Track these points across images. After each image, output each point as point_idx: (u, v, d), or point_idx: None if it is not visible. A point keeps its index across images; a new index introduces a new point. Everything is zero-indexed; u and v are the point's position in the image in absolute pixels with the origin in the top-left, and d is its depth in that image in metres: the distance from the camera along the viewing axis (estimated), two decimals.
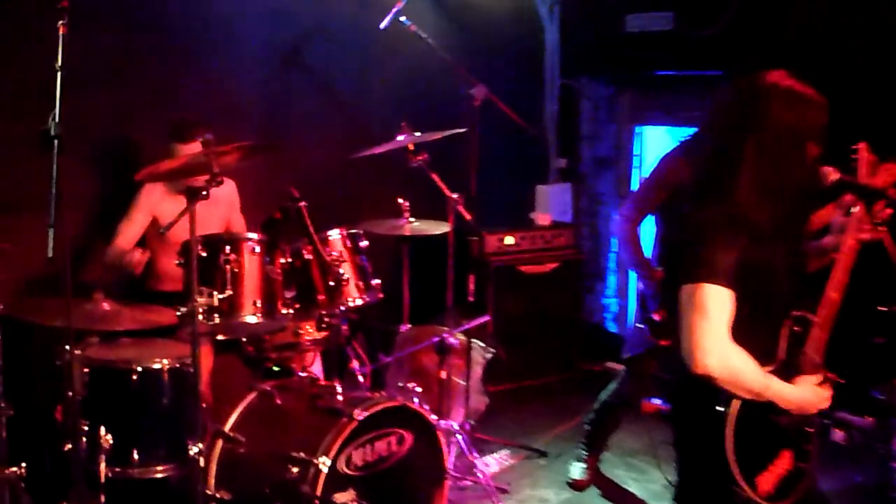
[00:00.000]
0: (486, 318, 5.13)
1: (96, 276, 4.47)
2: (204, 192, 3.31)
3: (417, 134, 4.74)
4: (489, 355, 5.21)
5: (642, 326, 4.27)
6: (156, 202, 4.61)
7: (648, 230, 4.52)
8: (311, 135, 5.85)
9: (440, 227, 4.93)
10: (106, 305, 3.76)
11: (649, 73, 6.82)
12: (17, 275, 4.35)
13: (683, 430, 2.69)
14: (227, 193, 4.80)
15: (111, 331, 3.72)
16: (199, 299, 3.37)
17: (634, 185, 7.33)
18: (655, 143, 7.45)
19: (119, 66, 4.92)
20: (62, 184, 2.91)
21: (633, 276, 7.35)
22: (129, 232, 4.58)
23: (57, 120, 2.91)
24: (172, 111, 4.76)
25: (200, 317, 3.40)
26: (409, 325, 5.13)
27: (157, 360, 3.71)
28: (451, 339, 4.71)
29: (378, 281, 4.32)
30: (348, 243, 4.28)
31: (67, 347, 3.36)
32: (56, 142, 2.90)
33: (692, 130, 4.73)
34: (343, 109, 6.05)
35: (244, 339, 4.26)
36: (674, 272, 2.56)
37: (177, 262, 3.72)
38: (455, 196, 4.90)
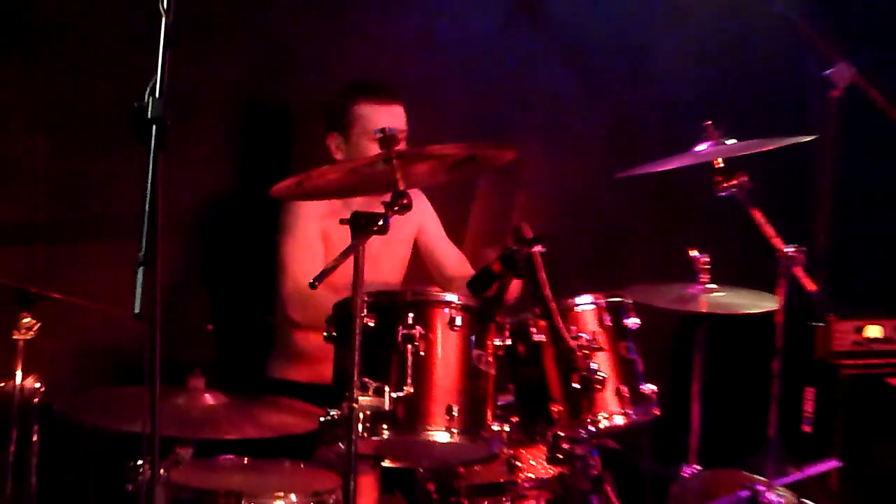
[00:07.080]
0: (831, 464, 3.72)
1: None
2: (378, 226, 2.61)
3: (731, 142, 3.43)
4: None
5: None
6: (324, 211, 3.47)
7: None
8: (553, 138, 4.28)
9: (761, 303, 3.56)
10: (209, 398, 2.85)
11: None
12: (73, 343, 3.30)
13: None
14: (413, 215, 3.46)
15: (214, 439, 2.81)
16: (360, 398, 2.57)
17: None
18: None
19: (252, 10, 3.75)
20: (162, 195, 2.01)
21: None
22: (309, 255, 3.40)
23: (157, 94, 2.00)
24: (335, 78, 3.63)
25: (360, 427, 2.61)
26: (698, 468, 3.76)
27: (282, 496, 2.77)
28: (771, 497, 3.32)
29: (654, 387, 3.16)
30: (607, 321, 3.17)
31: (144, 468, 2.50)
32: (155, 129, 2.02)
33: None
34: (606, 98, 4.40)
35: (422, 470, 3.23)
36: None
37: (325, 334, 2.88)
38: (791, 251, 3.29)
